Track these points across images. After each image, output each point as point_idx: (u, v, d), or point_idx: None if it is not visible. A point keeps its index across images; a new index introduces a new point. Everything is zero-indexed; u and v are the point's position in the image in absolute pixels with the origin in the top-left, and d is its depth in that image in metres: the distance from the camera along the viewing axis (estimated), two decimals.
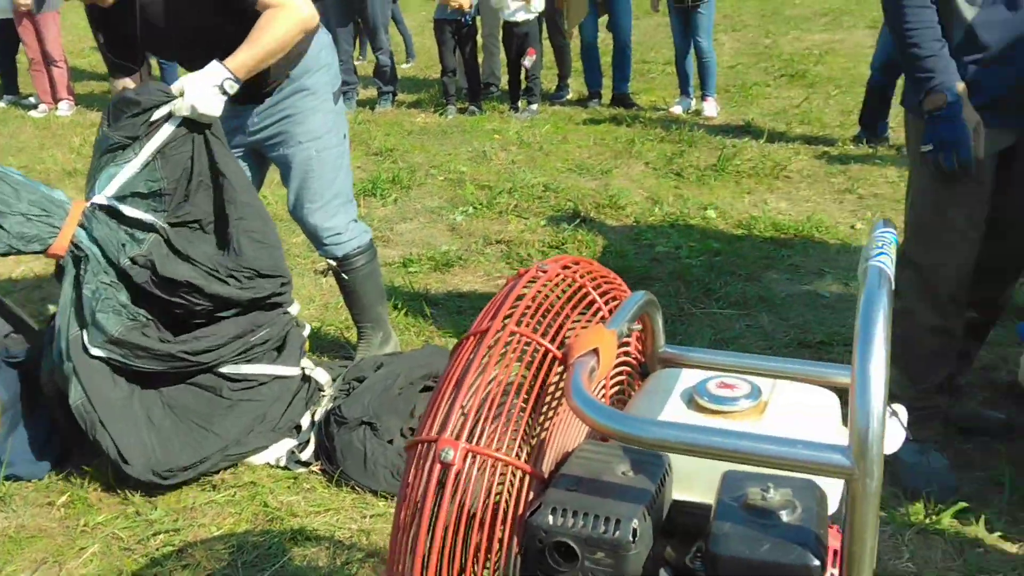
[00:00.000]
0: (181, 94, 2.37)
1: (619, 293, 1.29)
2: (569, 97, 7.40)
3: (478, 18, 7.04)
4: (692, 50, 6.48)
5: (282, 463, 2.50)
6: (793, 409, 1.13)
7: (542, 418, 1.07)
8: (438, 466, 0.97)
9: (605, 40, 7.07)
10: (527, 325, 1.09)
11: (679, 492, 1.08)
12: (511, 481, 1.00)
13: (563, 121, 6.62)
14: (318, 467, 2.48)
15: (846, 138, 5.70)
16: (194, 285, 2.37)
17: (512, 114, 6.88)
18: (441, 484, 0.97)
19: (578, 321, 1.16)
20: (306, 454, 2.50)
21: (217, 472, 2.45)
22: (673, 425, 0.94)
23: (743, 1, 12.11)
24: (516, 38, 6.72)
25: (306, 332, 2.72)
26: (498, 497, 0.99)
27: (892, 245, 1.02)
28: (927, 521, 2.20)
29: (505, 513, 0.98)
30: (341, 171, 2.73)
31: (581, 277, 1.20)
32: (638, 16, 8.40)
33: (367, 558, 2.15)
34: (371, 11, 6.94)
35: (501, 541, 0.98)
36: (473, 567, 0.99)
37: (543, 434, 1.07)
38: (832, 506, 1.00)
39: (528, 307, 1.10)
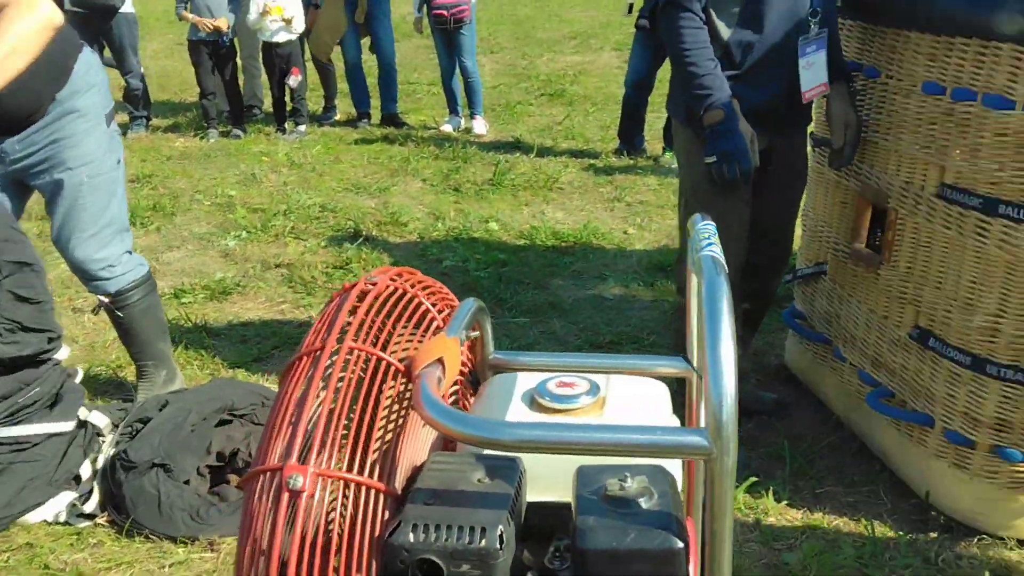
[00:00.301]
0: None
1: (448, 301, 1.27)
2: (337, 118, 7.29)
3: (235, 39, 6.77)
4: (457, 70, 6.60)
5: (62, 518, 2.24)
6: (630, 401, 1.16)
7: (389, 434, 1.03)
8: (286, 495, 0.90)
9: (368, 61, 7.04)
10: (363, 340, 1.04)
11: (531, 494, 1.07)
12: (365, 502, 0.95)
13: (334, 142, 6.50)
14: (105, 519, 2.25)
15: (608, 151, 6.03)
16: None
17: (279, 136, 6.67)
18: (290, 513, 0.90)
19: (415, 333, 1.13)
20: (90, 506, 2.25)
21: None
22: (535, 425, 0.93)
23: (497, 25, 12.54)
24: (278, 59, 6.52)
25: (78, 379, 2.46)
26: (353, 520, 0.94)
27: (716, 235, 1.07)
28: None
29: (362, 536, 0.93)
30: (115, 198, 2.50)
31: (412, 287, 1.17)
32: (399, 38, 8.45)
33: None
34: (116, 33, 6.46)
35: (360, 566, 0.92)
36: None
37: (392, 450, 1.02)
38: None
39: (363, 321, 1.05)
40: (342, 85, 7.37)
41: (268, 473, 0.92)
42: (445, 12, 6.27)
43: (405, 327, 1.10)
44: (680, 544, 0.89)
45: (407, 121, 7.07)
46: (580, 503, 0.94)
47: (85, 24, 6.45)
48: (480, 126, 6.64)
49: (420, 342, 1.09)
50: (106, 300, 2.56)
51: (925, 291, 2.23)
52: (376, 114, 7.13)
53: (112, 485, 2.25)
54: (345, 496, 0.94)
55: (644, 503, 0.93)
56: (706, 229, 1.08)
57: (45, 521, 2.25)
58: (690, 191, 2.49)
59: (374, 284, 1.10)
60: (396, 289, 1.14)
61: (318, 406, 0.95)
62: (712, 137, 2.26)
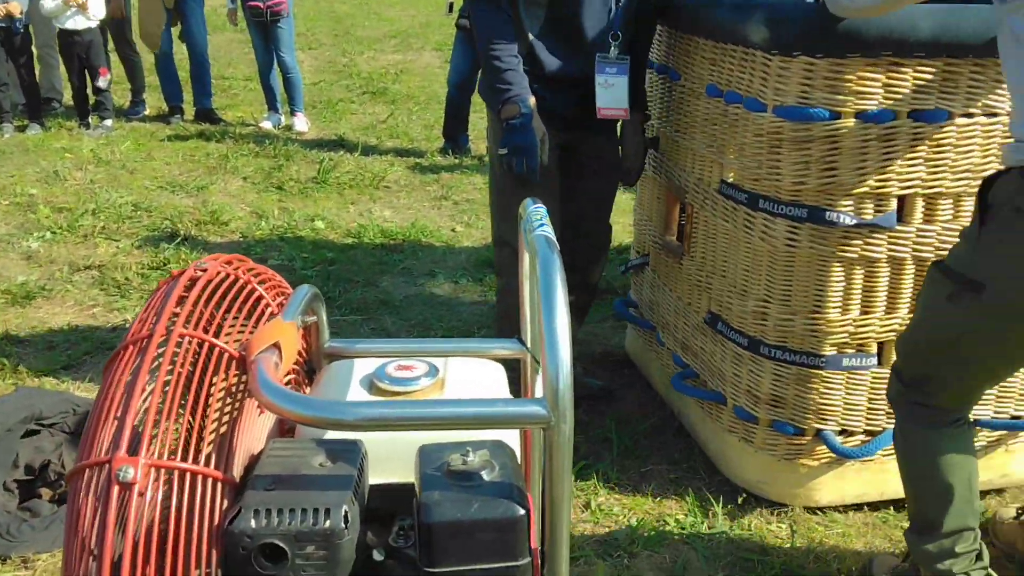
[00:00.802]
0: None
1: (282, 289, 1.25)
2: (147, 113, 6.91)
3: (30, 27, 6.27)
4: (276, 65, 6.42)
5: None
6: (468, 381, 1.19)
7: (225, 422, 1.00)
8: (116, 488, 0.86)
9: (179, 53, 6.71)
10: (194, 326, 1.00)
11: (373, 477, 1.07)
12: (202, 491, 0.92)
13: (145, 138, 6.16)
14: None
15: (433, 150, 6.04)
16: None
17: (83, 131, 6.24)
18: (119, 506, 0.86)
19: (247, 320, 1.10)
20: None
21: None
22: (377, 403, 0.93)
23: (315, 21, 12.29)
24: (77, 47, 6.09)
25: None
26: (190, 511, 0.90)
27: (548, 217, 1.11)
28: None
29: (200, 527, 0.90)
30: None
31: (244, 274, 1.14)
32: (212, 30, 8.11)
33: None
34: None
35: (199, 556, 0.89)
36: None
37: (228, 438, 0.99)
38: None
39: (193, 308, 1.02)
40: (151, 78, 7.00)
41: (95, 467, 0.88)
42: (261, 4, 6.08)
43: (238, 314, 1.07)
44: (522, 511, 0.92)
45: (223, 117, 6.81)
46: (424, 480, 0.96)
47: None
48: (301, 123, 6.48)
49: (254, 329, 1.06)
50: None
51: (715, 279, 2.38)
52: (189, 109, 6.82)
53: None
54: (180, 487, 0.91)
55: (486, 475, 0.96)
56: (537, 212, 1.12)
57: None
58: (501, 177, 2.53)
59: (204, 270, 1.07)
60: (227, 276, 1.11)
61: (147, 396, 0.91)
62: (507, 131, 2.33)
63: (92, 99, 6.31)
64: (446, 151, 5.94)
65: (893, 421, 1.93)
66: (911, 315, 2.13)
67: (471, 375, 1.20)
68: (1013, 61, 1.56)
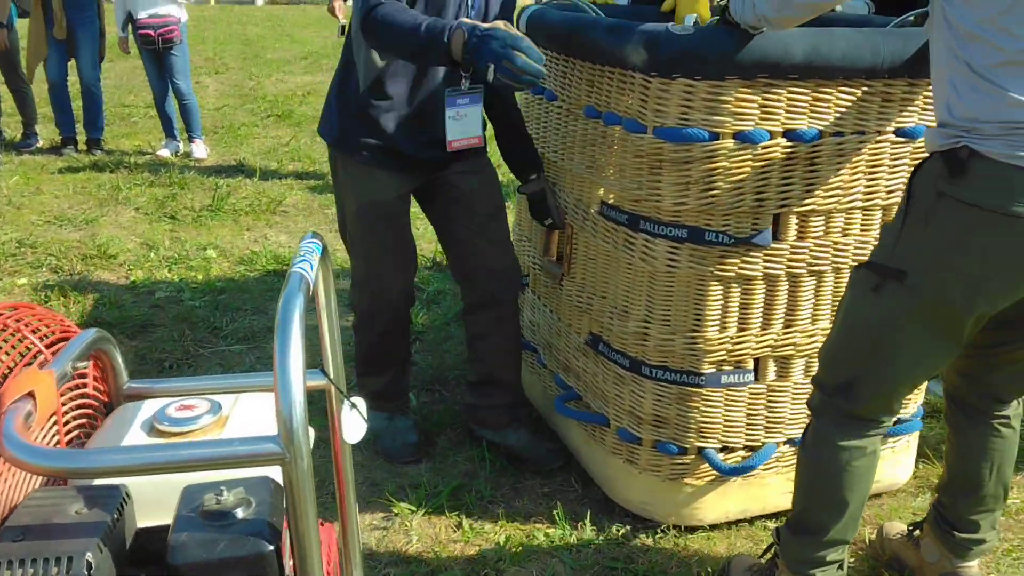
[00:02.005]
0: None
1: (68, 335, 1.25)
2: (40, 145, 6.75)
3: None
4: (171, 92, 6.34)
5: None
6: (255, 417, 1.20)
7: None
8: None
9: (75, 84, 6.58)
10: None
11: (145, 520, 1.08)
12: None
13: (35, 171, 6.02)
14: None
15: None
16: None
17: None
18: None
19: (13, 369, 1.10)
20: None
21: None
22: (110, 450, 0.94)
23: (225, 45, 12.17)
24: None
25: None
26: None
27: (315, 253, 1.14)
28: (430, 508, 2.44)
29: None
30: None
31: (14, 323, 1.14)
32: (111, 58, 7.98)
33: None
34: None
35: None
36: None
37: None
38: None
39: None
40: (45, 109, 6.84)
41: None
42: (152, 32, 6.00)
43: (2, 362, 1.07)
44: (270, 547, 0.94)
45: (121, 147, 6.69)
46: (177, 522, 0.97)
47: None
48: (200, 150, 6.41)
49: (15, 376, 1.06)
50: None
51: (595, 300, 2.40)
52: (82, 139, 6.69)
53: None
54: None
55: (240, 513, 0.97)
56: (308, 247, 1.14)
57: None
58: (351, 218, 2.45)
59: None
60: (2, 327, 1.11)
61: None
62: (473, 56, 1.97)
63: None
64: None
65: (771, 436, 1.95)
66: (786, 330, 2.19)
67: (259, 411, 1.22)
68: (939, 44, 1.58)
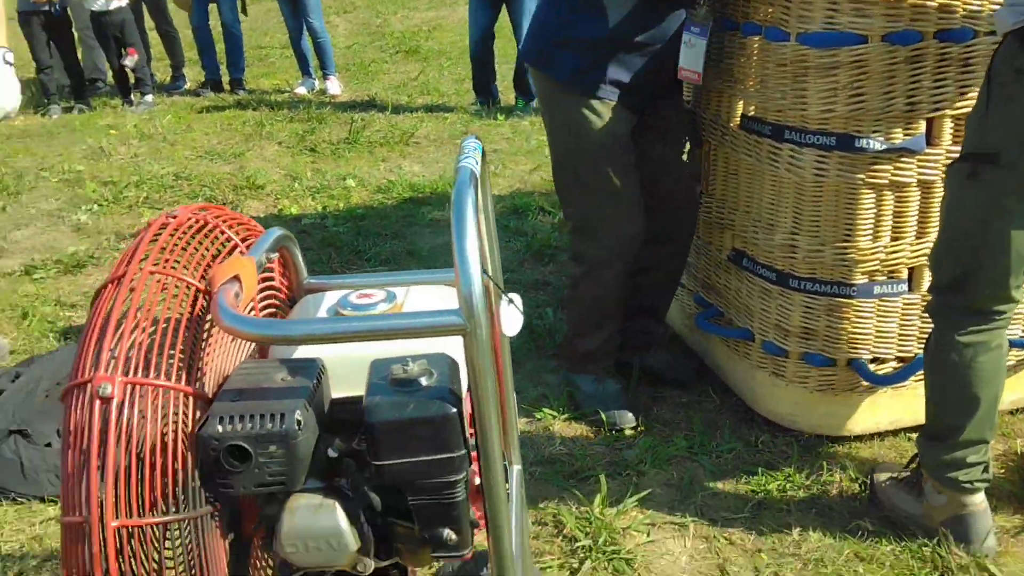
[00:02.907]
0: None
1: (255, 233, 1.38)
2: (187, 87, 7.13)
3: (68, 10, 6.50)
4: (306, 31, 6.56)
5: None
6: (425, 305, 1.30)
7: (197, 346, 1.14)
8: (98, 403, 1.00)
9: (217, 26, 6.90)
10: (165, 265, 1.14)
11: (338, 391, 1.20)
12: (177, 406, 1.06)
13: (184, 110, 6.38)
14: None
15: (463, 104, 6.13)
16: None
17: (126, 108, 6.48)
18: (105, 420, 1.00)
19: (216, 257, 1.23)
20: None
21: None
22: (312, 321, 1.05)
23: None
24: (109, 27, 6.28)
25: None
26: (166, 423, 1.05)
27: (478, 152, 1.21)
28: (571, 415, 2.54)
29: (175, 435, 1.04)
30: None
31: (214, 219, 1.27)
32: (250, 2, 8.26)
33: (43, 563, 2.03)
34: None
35: (177, 462, 1.04)
36: (152, 493, 1.04)
37: (198, 360, 1.13)
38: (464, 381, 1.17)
39: (164, 249, 1.15)
40: (191, 52, 7.20)
41: (79, 386, 1.02)
42: None
43: (207, 252, 1.20)
44: (452, 410, 1.04)
45: (260, 86, 6.99)
46: (370, 388, 1.08)
47: None
48: (334, 86, 6.63)
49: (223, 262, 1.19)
50: None
51: (737, 216, 2.40)
52: (226, 80, 7.02)
53: None
54: (156, 402, 1.05)
55: (424, 381, 1.08)
56: (470, 145, 1.22)
57: None
58: (580, 158, 2.38)
59: (174, 217, 1.20)
60: (198, 221, 1.24)
61: (123, 325, 1.05)
62: None
63: (132, 77, 6.54)
64: (480, 106, 6.00)
65: (923, 347, 1.94)
66: None
67: (428, 301, 1.32)
68: None
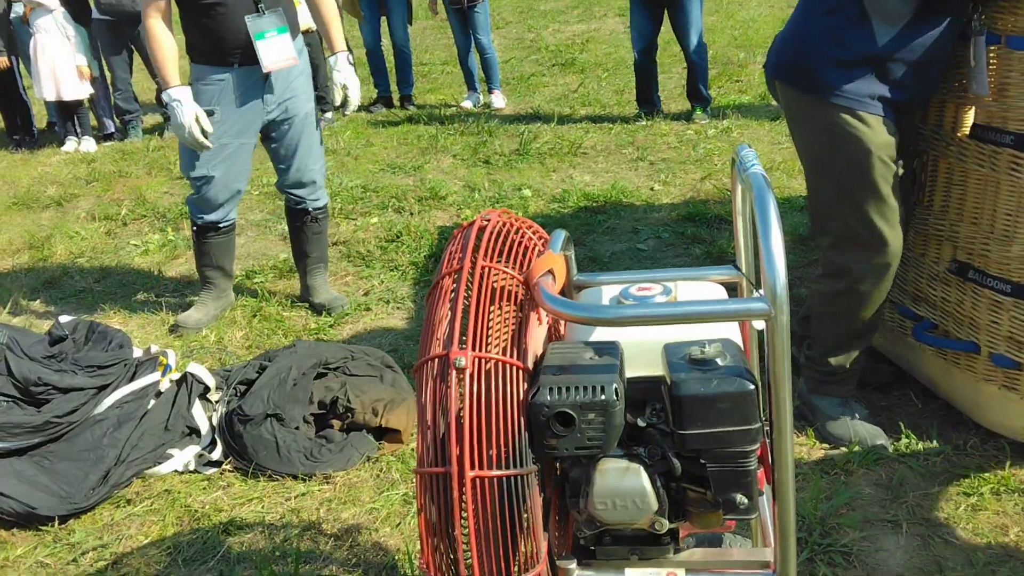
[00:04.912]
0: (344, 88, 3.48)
1: (541, 234, 1.57)
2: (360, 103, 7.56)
3: None
4: (473, 47, 6.87)
5: (191, 467, 2.57)
6: (697, 296, 1.45)
7: (520, 328, 1.32)
8: (454, 372, 1.20)
9: (386, 46, 7.30)
10: (490, 259, 1.33)
11: (627, 371, 1.36)
12: (510, 376, 1.25)
13: (362, 126, 6.80)
14: (229, 465, 2.58)
15: (625, 114, 6.28)
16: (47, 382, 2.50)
17: None
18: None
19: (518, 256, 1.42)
20: (216, 453, 2.59)
21: (127, 486, 2.49)
22: (630, 305, 1.22)
23: (499, 1, 12.73)
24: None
25: (171, 359, 2.80)
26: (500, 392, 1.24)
27: (758, 158, 1.36)
28: None
29: (509, 400, 1.23)
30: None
31: (515, 222, 1.46)
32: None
33: (304, 531, 2.30)
34: (143, 37, 6.75)
35: (512, 422, 1.22)
36: (497, 451, 1.23)
37: (521, 340, 1.32)
38: None
39: (488, 247, 1.35)
40: (363, 71, 7.63)
41: (435, 359, 1.22)
42: None
43: (515, 251, 1.39)
44: (752, 386, 1.19)
45: (426, 101, 7.35)
46: (672, 367, 1.24)
47: (114, 31, 6.79)
48: (499, 100, 6.91)
49: (528, 262, 1.38)
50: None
51: (961, 227, 2.39)
52: (396, 98, 7.41)
53: (231, 437, 2.58)
54: (496, 373, 1.24)
55: (720, 362, 1.23)
56: (749, 154, 1.36)
57: (176, 471, 2.58)
58: (825, 165, 2.39)
59: (489, 220, 1.40)
60: (505, 224, 1.43)
61: (464, 310, 1.25)
62: None
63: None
64: (644, 116, 6.12)
65: None
66: None
67: (698, 293, 1.47)
68: None
